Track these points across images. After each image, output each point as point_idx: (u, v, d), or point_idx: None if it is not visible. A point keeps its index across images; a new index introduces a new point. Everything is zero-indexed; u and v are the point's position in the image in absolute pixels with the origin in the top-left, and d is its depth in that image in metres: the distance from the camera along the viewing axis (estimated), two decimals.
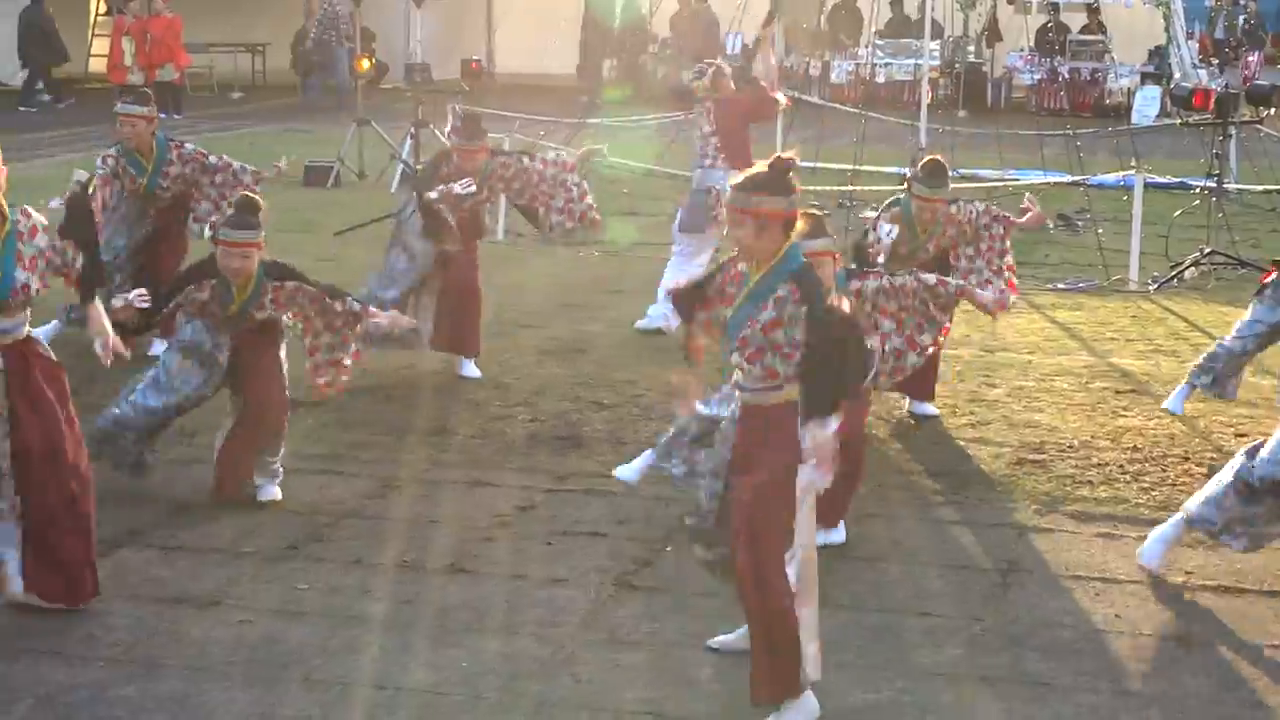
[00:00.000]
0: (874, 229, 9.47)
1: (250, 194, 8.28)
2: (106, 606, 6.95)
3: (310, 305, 8.29)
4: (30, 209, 6.74)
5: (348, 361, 8.53)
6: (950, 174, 9.67)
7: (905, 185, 9.63)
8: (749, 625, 6.01)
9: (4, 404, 6.70)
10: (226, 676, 6.30)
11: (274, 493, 8.30)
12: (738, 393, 5.97)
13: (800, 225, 5.90)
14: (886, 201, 9.79)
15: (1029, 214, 9.69)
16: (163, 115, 25.97)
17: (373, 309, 8.63)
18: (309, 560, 7.55)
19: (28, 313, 6.78)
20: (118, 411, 8.22)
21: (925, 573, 7.51)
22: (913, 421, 9.82)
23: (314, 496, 8.39)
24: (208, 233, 9.35)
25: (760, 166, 5.89)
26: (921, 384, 9.59)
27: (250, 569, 7.45)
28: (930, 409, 9.87)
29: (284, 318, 8.33)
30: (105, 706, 6.05)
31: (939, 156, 9.64)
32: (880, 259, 9.17)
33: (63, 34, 31.93)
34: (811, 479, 5.71)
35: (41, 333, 10.46)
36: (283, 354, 8.38)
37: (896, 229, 9.40)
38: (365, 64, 19.31)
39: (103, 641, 6.63)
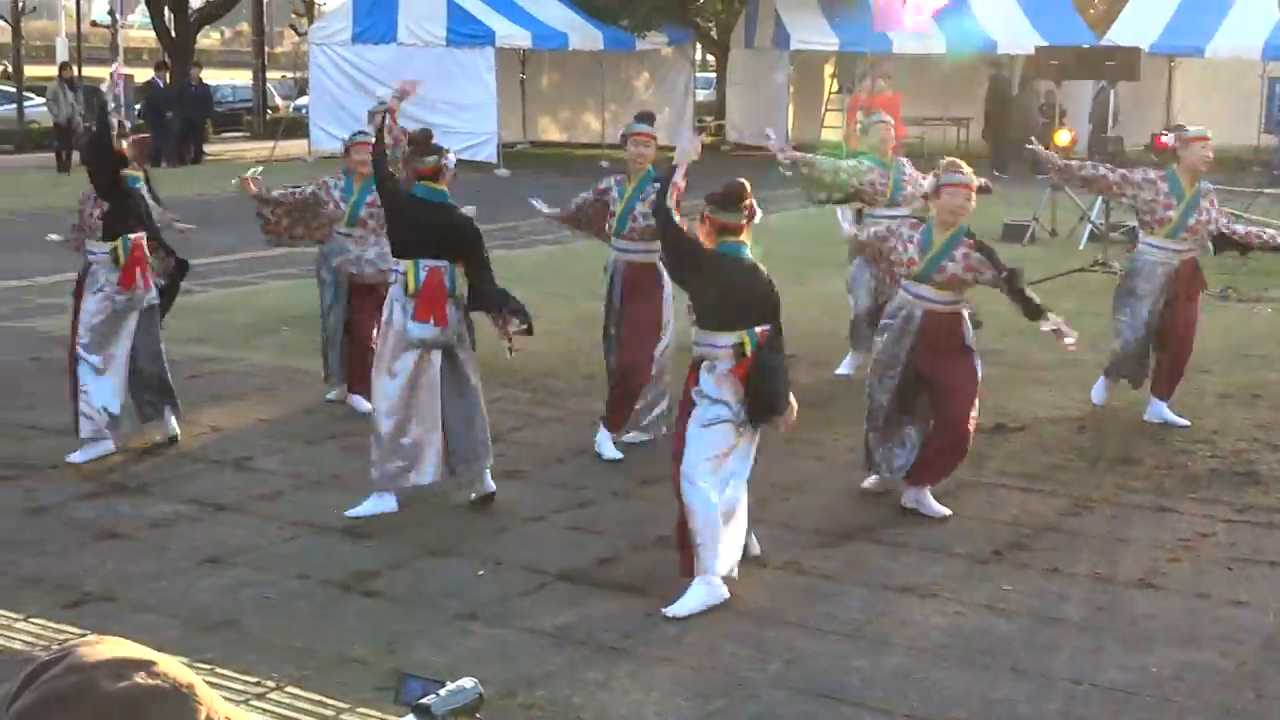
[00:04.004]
0: None
1: None
2: (843, 589, 7.11)
3: None
4: None
5: None
6: None
7: None
8: None
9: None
10: (944, 659, 6.29)
11: None
12: None
13: None
14: None
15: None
16: None
17: None
18: (1013, 565, 7.47)
19: None
20: None
21: None
22: None
23: (1016, 510, 8.30)
24: None
25: None
26: None
27: (962, 568, 7.44)
28: None
29: None
30: (841, 674, 6.15)
31: None
32: None
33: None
34: None
35: None
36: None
37: None
38: (1065, 136, 18.95)
39: (839, 619, 6.76)
